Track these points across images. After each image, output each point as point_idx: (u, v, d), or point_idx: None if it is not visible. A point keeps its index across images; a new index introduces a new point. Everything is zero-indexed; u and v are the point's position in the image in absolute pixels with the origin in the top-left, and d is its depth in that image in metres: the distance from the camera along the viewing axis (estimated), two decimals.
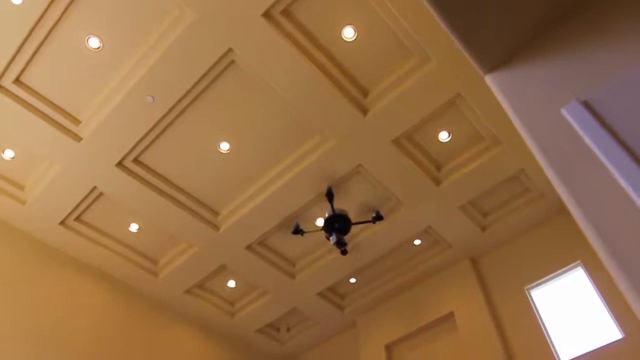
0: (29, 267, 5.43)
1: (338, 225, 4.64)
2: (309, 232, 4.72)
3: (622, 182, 0.77)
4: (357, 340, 6.82)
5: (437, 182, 5.37)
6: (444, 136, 5.03)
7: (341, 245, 4.54)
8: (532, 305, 5.32)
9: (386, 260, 6.32)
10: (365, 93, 4.65)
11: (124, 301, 6.16)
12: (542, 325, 5.11)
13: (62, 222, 5.52)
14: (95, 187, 5.19)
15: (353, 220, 4.97)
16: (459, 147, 5.16)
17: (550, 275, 5.36)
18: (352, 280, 6.61)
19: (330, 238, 4.58)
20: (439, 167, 5.35)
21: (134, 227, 5.76)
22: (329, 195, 4.71)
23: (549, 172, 0.92)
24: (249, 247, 5.91)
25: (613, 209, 0.76)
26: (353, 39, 4.23)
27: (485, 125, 4.90)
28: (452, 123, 4.92)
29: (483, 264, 6.14)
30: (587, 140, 0.86)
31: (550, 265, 5.38)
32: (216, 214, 5.63)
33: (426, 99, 4.58)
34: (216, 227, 5.65)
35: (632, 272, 0.70)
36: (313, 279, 6.38)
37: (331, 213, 4.68)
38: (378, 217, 4.80)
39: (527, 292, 5.46)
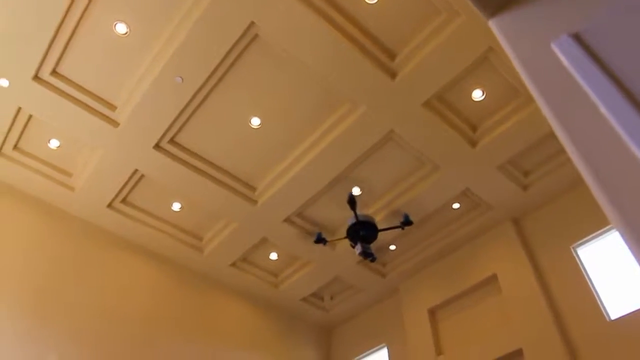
0: (86, 250, 5.78)
1: (363, 233, 4.11)
2: (332, 240, 4.22)
3: (611, 118, 0.72)
4: (400, 306, 6.88)
5: (473, 143, 5.23)
6: (477, 95, 4.86)
7: (368, 255, 4.06)
8: (579, 264, 5.16)
9: (425, 225, 6.27)
10: (392, 56, 4.53)
11: (174, 277, 6.47)
12: (590, 284, 4.96)
13: (109, 205, 5.81)
14: (136, 170, 5.40)
15: (379, 226, 4.31)
16: (495, 105, 4.97)
17: (598, 232, 5.16)
18: (392, 247, 6.62)
19: (356, 248, 4.08)
20: (474, 128, 5.19)
21: (176, 206, 5.98)
22: (351, 203, 3.98)
23: (546, 113, 0.87)
24: (287, 220, 6.01)
25: (604, 146, 0.72)
26: (375, 0, 4.11)
27: (520, 80, 4.69)
28: (486, 80, 4.74)
29: (526, 224, 5.99)
30: (577, 75, 0.81)
31: (597, 222, 5.16)
32: (253, 188, 5.74)
33: (456, 56, 4.42)
34: (254, 202, 5.77)
35: (628, 217, 0.67)
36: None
37: (354, 220, 4.08)
38: (407, 222, 4.24)
39: (573, 251, 5.29)
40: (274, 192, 5.63)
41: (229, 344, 6.52)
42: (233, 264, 6.71)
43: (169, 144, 5.17)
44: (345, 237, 3.89)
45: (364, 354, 7.18)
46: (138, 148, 5.12)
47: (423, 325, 6.28)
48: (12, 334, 4.73)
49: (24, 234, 5.37)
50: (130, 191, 5.71)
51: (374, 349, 7.07)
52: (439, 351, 5.97)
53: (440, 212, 6.10)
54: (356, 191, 5.75)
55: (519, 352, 5.11)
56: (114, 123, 4.90)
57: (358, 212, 4.30)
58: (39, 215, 5.61)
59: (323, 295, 7.54)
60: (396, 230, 6.20)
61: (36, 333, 4.89)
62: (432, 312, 6.36)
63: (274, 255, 6.72)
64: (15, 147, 5.26)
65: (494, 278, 5.83)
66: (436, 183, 5.59)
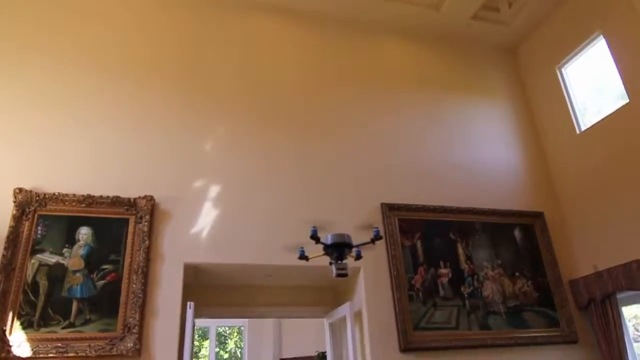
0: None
1: (337, 254, 3.91)
2: (313, 257, 3.93)
3: None
4: None
5: None
6: None
7: (342, 276, 3.87)
8: None
9: None
10: None
11: (317, 30, 5.68)
12: None
13: None
14: None
15: (353, 236, 3.92)
16: None
17: None
18: None
19: (332, 267, 3.90)
20: None
21: None
22: (315, 239, 3.80)
23: None
24: None
25: None
26: None
27: None
28: None
29: None
30: None
31: None
32: None
33: None
34: None
35: None
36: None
37: (326, 243, 3.83)
38: (377, 237, 3.89)
39: None
40: None
41: (399, 87, 5.72)
42: None
43: None
44: (324, 254, 3.86)
45: (570, 56, 5.65)
46: None
47: None
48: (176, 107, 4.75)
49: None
50: None
51: (584, 44, 5.47)
52: None
53: None
54: None
55: None
56: None
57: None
58: None
59: (498, 5, 5.94)
60: None
61: (200, 107, 4.85)
62: None
63: None
64: None
65: None
66: None
